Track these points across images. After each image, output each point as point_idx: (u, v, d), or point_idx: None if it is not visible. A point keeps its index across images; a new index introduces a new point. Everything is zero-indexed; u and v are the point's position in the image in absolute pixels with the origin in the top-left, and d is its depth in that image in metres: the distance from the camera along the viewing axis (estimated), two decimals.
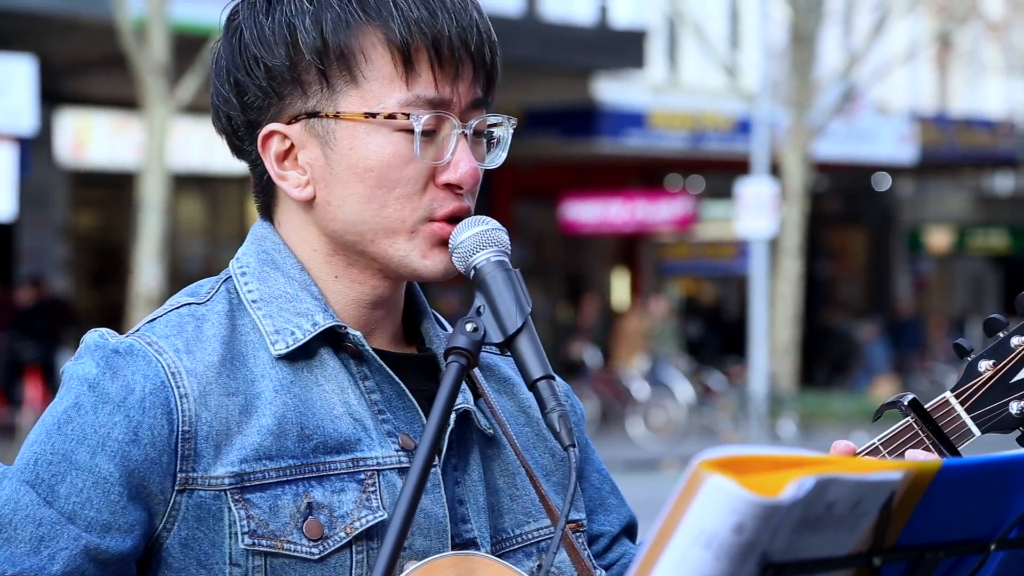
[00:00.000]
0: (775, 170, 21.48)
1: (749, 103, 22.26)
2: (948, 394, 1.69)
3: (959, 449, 1.68)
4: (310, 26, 1.70)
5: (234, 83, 1.74)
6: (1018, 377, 1.67)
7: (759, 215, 20.49)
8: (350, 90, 1.71)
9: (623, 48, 21.96)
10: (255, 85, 1.73)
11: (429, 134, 1.71)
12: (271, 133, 1.74)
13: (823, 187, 28.19)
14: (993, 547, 1.36)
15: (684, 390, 21.21)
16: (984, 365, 1.68)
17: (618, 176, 26.16)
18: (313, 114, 1.72)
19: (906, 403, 1.67)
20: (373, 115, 1.70)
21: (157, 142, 15.89)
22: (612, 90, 23.53)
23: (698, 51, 24.47)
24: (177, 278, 19.61)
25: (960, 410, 1.68)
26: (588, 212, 25.58)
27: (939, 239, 32.53)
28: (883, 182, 30.50)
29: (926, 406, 1.68)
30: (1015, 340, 1.68)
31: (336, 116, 1.71)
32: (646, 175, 26.81)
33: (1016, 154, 29.38)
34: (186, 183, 20.21)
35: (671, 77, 26.35)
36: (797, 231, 21.75)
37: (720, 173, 26.24)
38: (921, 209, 32.21)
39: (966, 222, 32.82)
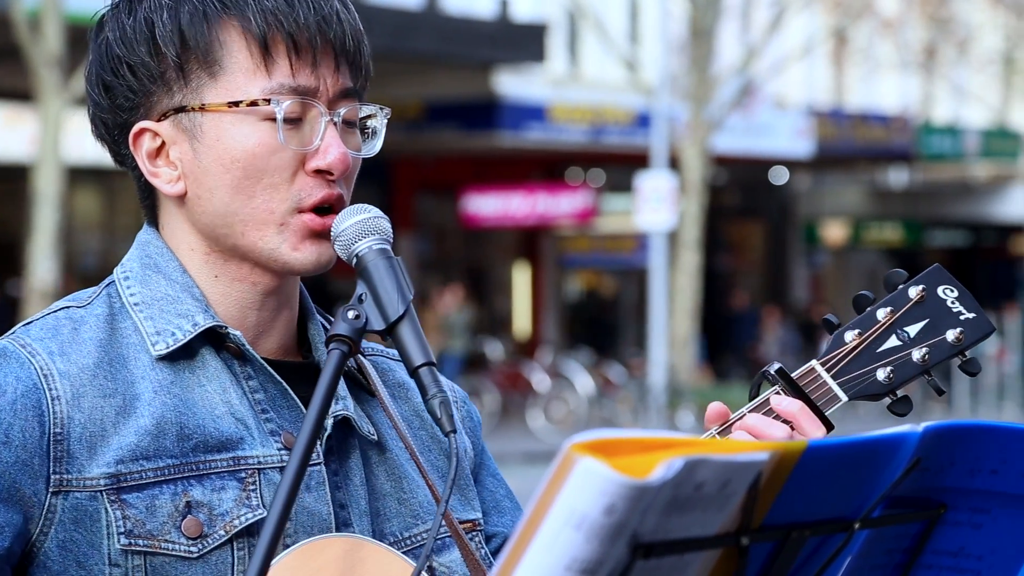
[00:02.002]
0: (674, 164, 21.65)
1: (649, 97, 22.41)
2: (814, 362, 1.72)
3: (827, 414, 1.71)
4: (168, 21, 1.72)
5: (103, 86, 1.75)
6: (884, 346, 1.71)
7: (659, 208, 20.64)
8: (213, 82, 1.72)
9: (524, 42, 22.00)
10: (123, 85, 1.74)
11: (295, 121, 1.72)
12: (141, 131, 1.74)
13: (722, 181, 28.45)
14: (857, 526, 1.39)
15: (584, 383, 21.31)
16: (850, 335, 1.72)
17: (519, 169, 26.20)
18: (180, 109, 1.73)
19: (773, 371, 1.71)
20: (236, 104, 1.71)
21: (51, 134, 15.67)
22: (513, 84, 23.56)
23: (598, 45, 24.59)
24: (73, 272, 19.35)
25: (826, 376, 1.71)
26: (489, 205, 25.61)
27: (835, 232, 32.96)
28: (780, 176, 30.84)
29: (792, 374, 1.71)
30: (880, 312, 1.72)
31: (201, 109, 1.72)
32: (547, 168, 26.89)
33: (910, 149, 29.85)
34: (82, 176, 19.93)
35: (571, 71, 26.44)
36: (696, 224, 21.93)
37: (620, 166, 26.38)
38: (817, 203, 32.62)
39: (861, 216, 33.29)
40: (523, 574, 1.24)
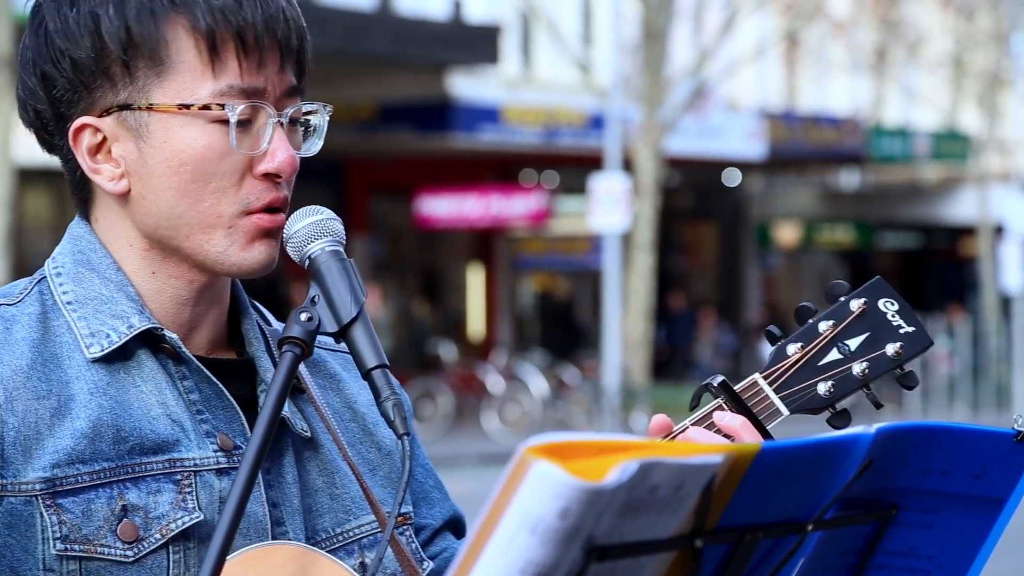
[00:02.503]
0: (628, 165, 21.70)
1: (602, 99, 22.46)
2: (757, 375, 1.73)
3: (768, 428, 1.72)
4: (114, 16, 1.68)
5: (41, 76, 1.71)
6: (825, 360, 1.72)
7: (612, 210, 20.68)
8: (160, 81, 1.69)
9: (477, 43, 22.00)
10: (63, 78, 1.70)
11: (244, 124, 1.70)
12: (82, 127, 1.71)
13: (675, 183, 28.54)
14: (811, 527, 1.39)
15: (539, 385, 21.33)
16: (792, 348, 1.72)
17: (473, 171, 26.20)
18: (125, 106, 1.69)
19: (716, 384, 1.71)
20: (187, 106, 1.68)
21: (1, 136, 15.54)
22: (466, 85, 23.56)
23: (551, 47, 24.62)
24: (23, 273, 19.17)
25: (768, 390, 1.71)
26: (443, 207, 25.59)
27: (787, 234, 33.13)
28: (733, 178, 30.97)
29: (735, 387, 1.72)
30: (822, 325, 1.73)
31: (149, 108, 1.69)
32: (501, 170, 26.90)
33: (861, 151, 30.04)
34: (32, 177, 19.78)
35: (525, 73, 26.46)
36: (649, 226, 22.00)
37: (574, 168, 26.43)
38: (770, 205, 32.78)
39: (813, 217, 33.47)
40: None
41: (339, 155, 24.06)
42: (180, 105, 1.69)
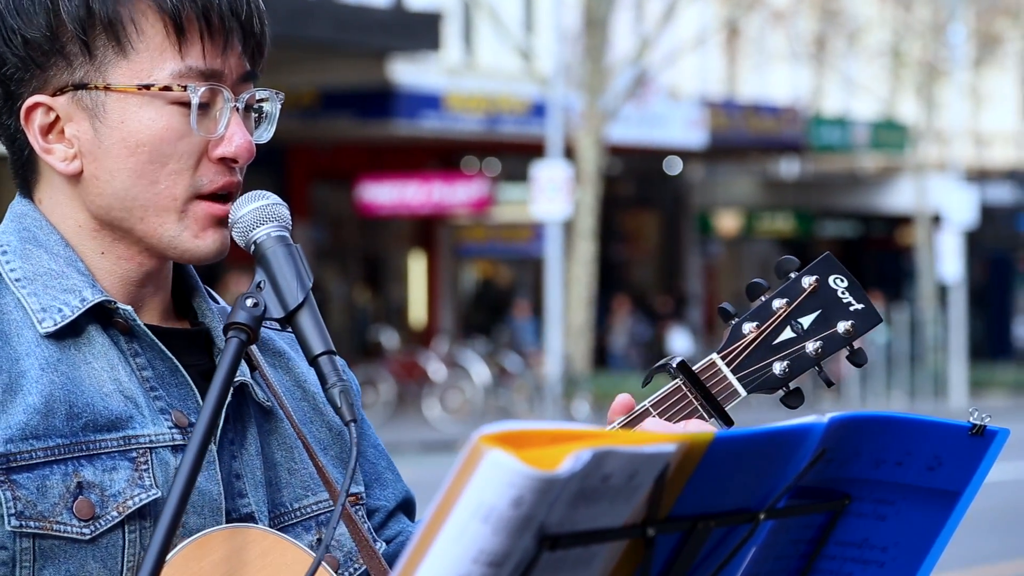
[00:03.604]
0: (569, 153, 21.73)
1: (543, 87, 22.47)
2: (715, 355, 1.73)
3: (726, 409, 1.72)
4: None
5: None
6: (780, 339, 1.72)
7: (554, 198, 20.71)
8: (119, 61, 1.67)
9: (419, 30, 21.94)
10: (14, 55, 1.68)
11: (203, 107, 1.68)
12: (35, 105, 1.68)
13: (616, 171, 28.61)
14: (763, 516, 1.39)
15: (481, 372, 21.33)
16: (748, 327, 1.72)
17: (415, 158, 26.15)
18: (80, 86, 1.67)
19: (675, 365, 1.71)
20: (147, 87, 1.67)
21: None
22: (408, 72, 23.50)
23: (493, 34, 24.60)
24: None
25: (726, 371, 1.71)
26: (385, 194, 25.53)
27: (728, 222, 33.31)
28: (675, 166, 31.09)
29: (693, 368, 1.72)
30: (776, 303, 1.73)
31: (106, 88, 1.67)
32: (442, 157, 26.86)
33: (800, 140, 30.23)
34: None
35: (467, 60, 26.43)
36: (591, 214, 22.04)
37: (516, 156, 26.43)
38: (711, 193, 32.94)
39: (754, 206, 33.67)
40: (430, 567, 1.22)
41: (280, 141, 23.88)
42: (140, 86, 1.67)
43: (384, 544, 1.81)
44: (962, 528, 1.52)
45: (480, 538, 1.22)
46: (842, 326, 1.71)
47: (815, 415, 1.41)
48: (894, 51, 31.11)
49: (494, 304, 28.07)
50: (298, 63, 21.05)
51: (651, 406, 1.70)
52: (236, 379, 1.71)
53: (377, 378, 21.15)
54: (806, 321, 1.71)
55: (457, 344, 23.65)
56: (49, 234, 1.70)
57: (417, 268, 27.73)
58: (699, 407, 1.70)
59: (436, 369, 21.47)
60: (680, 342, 27.39)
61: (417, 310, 27.60)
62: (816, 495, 1.43)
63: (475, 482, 1.21)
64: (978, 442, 1.45)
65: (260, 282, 1.63)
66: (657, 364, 1.72)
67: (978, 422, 1.45)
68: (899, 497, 1.45)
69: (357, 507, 1.78)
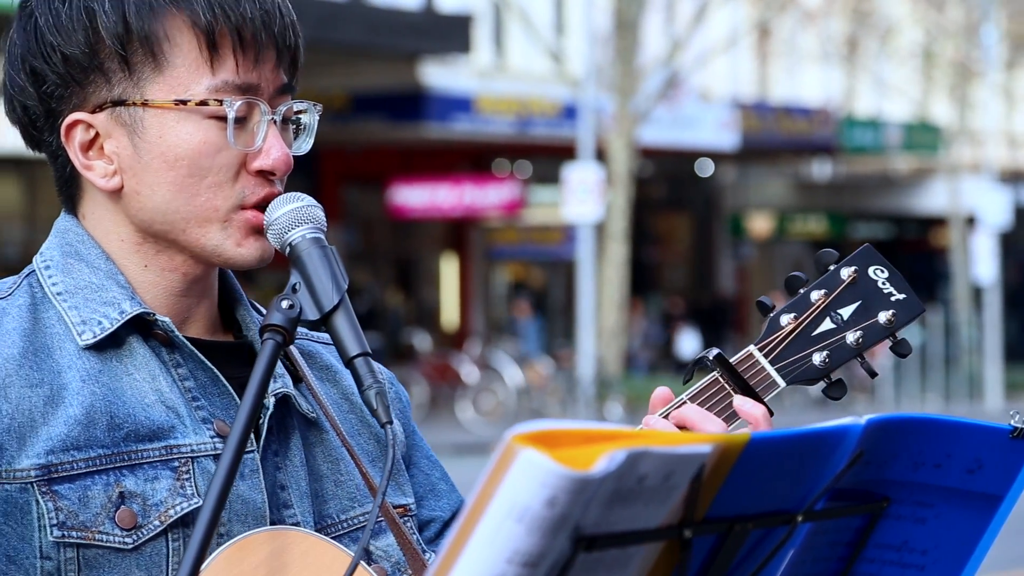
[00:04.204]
0: (601, 155, 21.71)
1: (574, 89, 22.45)
2: (752, 347, 1.71)
3: (765, 400, 1.70)
4: (111, 11, 1.68)
5: (30, 71, 1.70)
6: (819, 330, 1.70)
7: (585, 200, 20.70)
8: (156, 77, 1.68)
9: (449, 33, 21.97)
10: (54, 74, 1.69)
11: (240, 121, 1.70)
12: (75, 123, 1.70)
13: (648, 173, 28.58)
14: (800, 518, 1.38)
15: (513, 374, 21.34)
16: (786, 319, 1.71)
17: (446, 161, 26.18)
18: (119, 102, 1.69)
19: (712, 357, 1.70)
20: (183, 102, 1.68)
21: None
22: (439, 75, 23.53)
23: (524, 37, 24.61)
24: None
25: (764, 362, 1.70)
26: (416, 197, 25.56)
27: (760, 224, 33.21)
28: (706, 168, 31.02)
29: (731, 360, 1.70)
30: (814, 295, 1.71)
31: (144, 104, 1.68)
32: (474, 160, 26.88)
33: (832, 141, 30.13)
34: (3, 166, 19.68)
35: (497, 62, 26.44)
36: (623, 216, 22.02)
37: (547, 158, 26.43)
38: (743, 195, 32.85)
39: (786, 208, 33.57)
40: (464, 567, 1.22)
41: (312, 145, 23.85)
42: (176, 101, 1.68)
43: (433, 555, 1.80)
44: (1005, 531, 1.50)
45: (514, 538, 1.21)
46: (883, 316, 1.70)
47: (852, 416, 1.39)
48: (927, 52, 30.97)
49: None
50: (329, 66, 21.10)
51: (688, 399, 1.69)
52: (279, 390, 1.72)
53: (410, 380, 21.17)
54: (846, 312, 1.70)
55: (489, 346, 23.66)
56: (90, 248, 1.72)
57: (449, 270, 27.75)
58: (757, 402, 1.68)
59: (469, 371, 21.49)
60: (689, 343, 27.27)
61: (449, 312, 27.62)
62: (854, 497, 1.42)
63: (508, 482, 1.21)
64: (1020, 445, 1.43)
65: (296, 284, 1.64)
66: (695, 358, 1.71)
67: (1020, 425, 1.44)
68: (939, 500, 1.43)
69: (406, 519, 1.79)
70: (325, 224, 1.69)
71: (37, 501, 1.61)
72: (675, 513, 1.31)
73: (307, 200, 1.69)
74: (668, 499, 1.29)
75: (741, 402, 1.68)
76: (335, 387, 1.80)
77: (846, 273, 1.71)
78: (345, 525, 1.74)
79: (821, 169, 33.02)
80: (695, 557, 1.34)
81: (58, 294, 1.70)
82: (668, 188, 31.33)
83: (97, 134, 1.69)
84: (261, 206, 1.70)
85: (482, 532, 1.21)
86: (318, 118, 1.75)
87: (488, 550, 1.21)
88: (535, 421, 1.26)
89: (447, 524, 1.84)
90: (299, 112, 1.74)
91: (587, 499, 1.22)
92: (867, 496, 1.42)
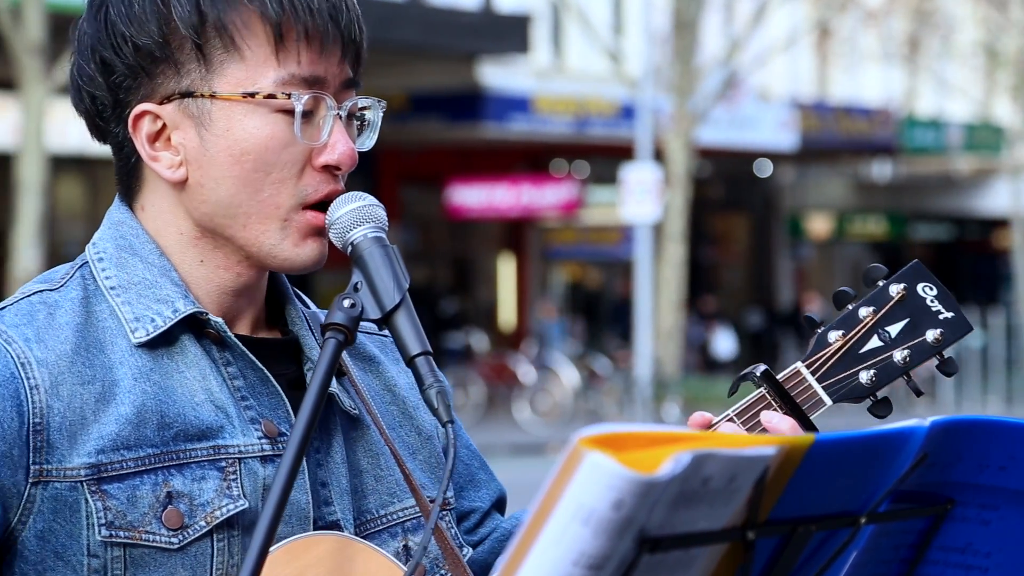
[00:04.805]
0: (659, 156, 21.65)
1: (633, 89, 22.41)
2: (799, 364, 1.71)
3: (811, 418, 1.70)
4: (185, 2, 1.68)
5: (100, 62, 1.70)
6: (867, 347, 1.70)
7: (643, 200, 20.65)
8: (226, 69, 1.68)
9: (507, 33, 21.98)
10: (124, 64, 1.69)
11: (306, 115, 1.69)
12: (143, 113, 1.70)
13: (706, 173, 28.47)
14: (863, 520, 1.38)
15: (570, 375, 21.32)
16: (833, 336, 1.71)
17: (503, 161, 26.19)
18: (187, 94, 1.69)
19: (758, 374, 1.70)
20: (251, 95, 1.68)
21: (34, 123, 15.61)
22: (497, 75, 23.54)
23: (582, 37, 24.58)
24: (57, 261, 19.24)
25: (811, 380, 1.70)
26: (474, 197, 25.59)
27: (819, 225, 33.01)
28: (765, 168, 30.87)
29: (778, 376, 1.70)
30: (863, 311, 1.71)
31: (212, 96, 1.68)
32: (531, 160, 26.88)
33: (893, 142, 29.90)
34: (65, 165, 19.88)
35: (555, 62, 26.43)
36: (681, 216, 21.95)
37: (605, 158, 26.38)
38: (802, 195, 32.66)
39: (845, 208, 33.35)
40: (531, 569, 1.22)
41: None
42: (244, 94, 1.68)
43: (470, 550, 1.81)
44: None
45: (580, 541, 1.22)
46: (931, 335, 1.70)
47: (916, 419, 1.39)
48: (989, 51, 30.67)
49: (583, 307, 28.00)
50: (387, 66, 21.16)
51: (734, 415, 1.69)
52: None
53: (467, 380, 21.20)
54: (894, 330, 1.70)
55: (546, 346, 23.64)
56: (145, 243, 1.71)
57: (506, 270, 27.76)
58: (786, 415, 1.69)
59: (526, 371, 21.48)
60: (724, 343, 27.10)
61: (506, 312, 27.63)
62: (918, 499, 1.42)
63: (575, 485, 1.21)
64: None
65: (357, 283, 1.64)
66: (742, 373, 1.71)
67: None
68: (1003, 502, 1.43)
69: (444, 512, 1.78)
70: (387, 223, 1.68)
71: (86, 500, 1.62)
72: (738, 515, 1.31)
73: (369, 199, 1.69)
74: (732, 501, 1.29)
75: (768, 417, 1.69)
76: (377, 378, 1.80)
77: (895, 290, 1.71)
78: (384, 521, 1.74)
79: (881, 169, 32.77)
80: (758, 559, 1.34)
81: (111, 288, 1.69)
82: (726, 188, 31.20)
83: (164, 125, 1.69)
84: (322, 206, 1.70)
85: (549, 534, 1.22)
86: (381, 115, 1.75)
87: (554, 552, 1.22)
88: (600, 424, 1.27)
89: (487, 515, 1.84)
90: (363, 108, 1.74)
91: (652, 501, 1.23)
92: (931, 498, 1.42)
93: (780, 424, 1.67)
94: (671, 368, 21.69)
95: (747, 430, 1.69)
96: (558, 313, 25.01)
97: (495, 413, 21.16)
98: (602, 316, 27.86)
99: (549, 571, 1.22)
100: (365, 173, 24.12)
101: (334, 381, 1.73)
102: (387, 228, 1.68)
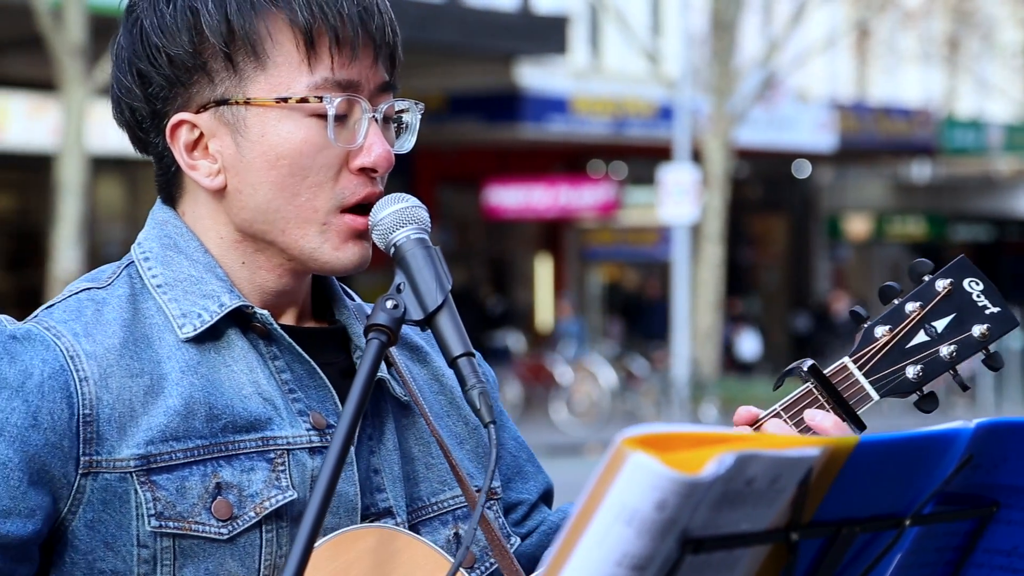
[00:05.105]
0: (697, 156, 21.60)
1: (671, 89, 22.36)
2: (847, 359, 1.71)
3: (858, 413, 1.70)
4: (214, 10, 1.70)
5: (137, 74, 1.73)
6: (914, 342, 1.70)
7: (681, 201, 20.60)
8: (257, 75, 1.70)
9: (545, 33, 21.98)
10: (159, 75, 1.72)
11: (340, 118, 1.71)
12: (180, 123, 1.72)
13: (744, 174, 28.38)
14: (908, 523, 1.37)
15: (607, 375, 21.30)
16: (880, 331, 1.71)
17: (541, 161, 26.19)
18: (222, 101, 1.71)
19: (805, 368, 1.69)
20: (284, 100, 1.69)
21: (75, 124, 15.71)
22: (535, 75, 23.54)
23: (620, 37, 24.55)
24: (97, 262, 19.37)
25: (858, 375, 1.70)
26: (511, 197, 25.59)
27: (858, 226, 32.87)
28: (803, 169, 30.76)
29: (825, 371, 1.70)
30: (909, 306, 1.71)
31: (246, 103, 1.70)
32: (569, 161, 26.86)
33: (933, 142, 29.75)
34: (105, 166, 19.99)
35: (593, 63, 26.41)
36: (718, 217, 21.89)
37: (642, 159, 26.34)
38: (840, 196, 32.53)
39: (884, 209, 33.19)
40: (574, 569, 1.22)
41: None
42: (277, 99, 1.70)
43: (519, 540, 1.82)
44: None
45: (624, 541, 1.22)
46: (977, 330, 1.69)
47: (961, 420, 1.39)
48: None
49: (621, 308, 27.94)
50: (425, 67, 21.19)
51: (781, 410, 1.69)
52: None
53: (504, 381, 21.20)
54: (940, 325, 1.70)
55: (583, 347, 23.63)
56: (189, 241, 1.73)
57: (543, 271, 27.75)
58: (830, 411, 1.69)
59: (563, 372, 21.47)
60: (749, 344, 26.92)
61: (543, 313, 27.62)
62: (963, 501, 1.41)
63: (618, 485, 1.21)
64: None
65: (400, 284, 1.65)
66: (788, 368, 1.71)
67: None
68: None
69: (491, 503, 1.79)
70: (429, 225, 1.70)
71: (136, 491, 1.64)
72: (782, 516, 1.31)
73: (412, 201, 1.70)
74: (775, 502, 1.29)
75: (812, 415, 1.69)
76: (425, 368, 1.82)
77: (941, 285, 1.71)
78: (435, 508, 1.75)
79: (920, 170, 32.60)
80: (802, 560, 1.34)
81: (158, 286, 1.71)
82: (764, 189, 31.09)
83: (201, 134, 1.71)
84: (361, 209, 1.71)
85: (592, 535, 1.22)
86: (419, 117, 1.76)
87: (598, 552, 1.22)
88: (643, 425, 1.27)
89: (533, 507, 1.85)
90: (400, 111, 1.75)
91: (696, 502, 1.23)
92: (976, 500, 1.42)
93: (824, 422, 1.67)
94: (708, 369, 21.63)
95: (794, 425, 1.69)
96: (575, 311, 24.91)
97: (532, 414, 21.15)
98: (634, 316, 27.69)
99: (593, 571, 1.22)
100: (403, 174, 24.18)
101: (386, 369, 1.75)
102: (430, 229, 1.69)
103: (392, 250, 1.68)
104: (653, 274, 28.22)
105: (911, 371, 1.69)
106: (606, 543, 1.22)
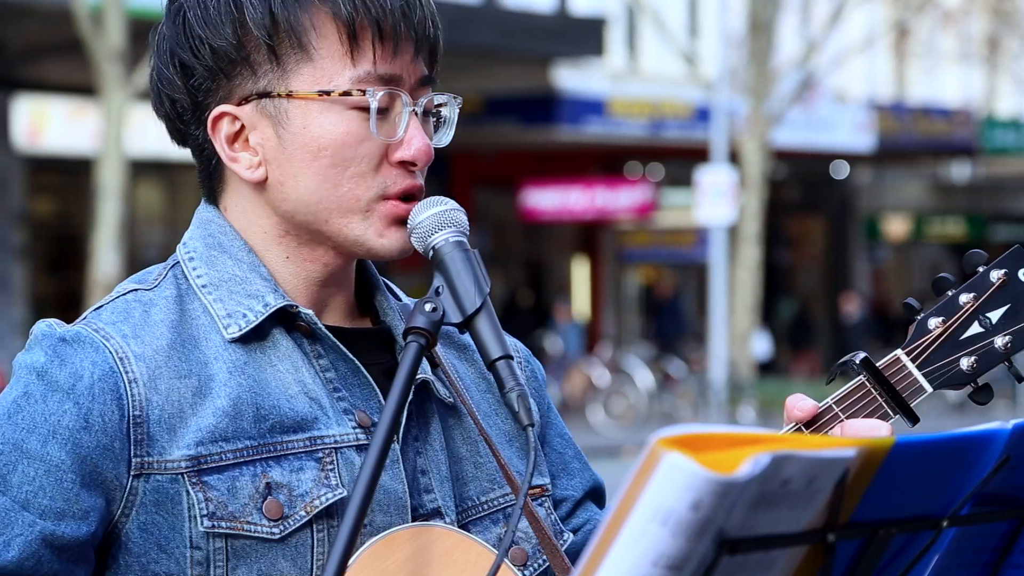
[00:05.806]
0: (734, 158, 21.55)
1: (708, 91, 22.31)
2: (899, 352, 1.70)
3: (911, 406, 1.70)
4: (258, 3, 1.70)
5: (179, 65, 1.73)
6: (967, 334, 1.69)
7: (718, 203, 20.55)
8: (300, 68, 1.70)
9: (582, 36, 21.96)
10: (202, 66, 1.72)
11: (382, 112, 1.71)
12: (221, 115, 1.73)
13: (782, 175, 28.28)
14: (945, 524, 1.37)
15: (644, 377, 21.26)
16: (933, 323, 1.70)
17: (578, 163, 26.17)
18: (264, 94, 1.71)
19: (858, 361, 1.69)
20: (327, 93, 1.70)
21: (115, 128, 15.80)
22: (572, 77, 23.53)
23: (657, 39, 24.51)
24: (136, 265, 19.48)
25: (911, 367, 1.69)
26: (548, 199, 25.58)
27: (897, 227, 32.70)
28: (841, 170, 30.63)
29: (877, 364, 1.69)
30: (963, 297, 1.70)
31: (288, 95, 1.70)
32: (606, 162, 26.83)
33: (972, 143, 29.57)
34: (145, 169, 20.09)
35: (630, 65, 26.37)
36: (756, 219, 21.82)
37: (679, 161, 26.29)
38: (879, 197, 32.37)
39: (923, 210, 33.01)
40: (610, 569, 1.23)
41: (445, 147, 23.96)
42: (320, 92, 1.70)
43: (571, 535, 1.82)
44: None
45: (659, 541, 1.22)
46: None
47: (998, 421, 1.38)
48: None
49: (658, 310, 27.87)
50: (462, 69, 21.21)
51: (834, 403, 1.69)
52: (418, 376, 1.73)
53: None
54: (994, 316, 1.69)
55: (620, 349, 23.59)
56: (233, 240, 1.74)
57: (580, 273, 27.73)
58: (883, 404, 1.68)
59: (600, 374, 21.45)
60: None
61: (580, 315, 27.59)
62: (1001, 502, 1.40)
63: (654, 485, 1.21)
64: None
65: (438, 287, 1.66)
66: (840, 361, 1.70)
67: None
68: None
69: (542, 499, 1.80)
70: (468, 227, 1.70)
71: (187, 492, 1.64)
72: (819, 517, 1.31)
73: (450, 204, 1.70)
74: (812, 503, 1.29)
75: (852, 423, 1.68)
76: (472, 367, 1.82)
77: (996, 276, 1.69)
78: (485, 507, 1.76)
79: (960, 170, 32.41)
80: (839, 561, 1.34)
81: (203, 287, 1.72)
82: (802, 190, 30.98)
83: (243, 126, 1.72)
84: (404, 196, 1.71)
85: (627, 535, 1.22)
86: (458, 111, 1.77)
87: (633, 552, 1.22)
88: (678, 425, 1.27)
89: (579, 503, 1.85)
90: (439, 105, 1.76)
91: (731, 503, 1.23)
92: (1014, 501, 1.41)
93: (878, 429, 1.67)
94: (746, 371, 21.57)
95: (847, 417, 1.68)
96: (573, 316, 24.88)
97: (569, 416, 21.13)
98: (659, 317, 27.49)
99: (628, 571, 1.23)
100: (439, 175, 24.19)
101: (430, 371, 1.75)
102: (468, 232, 1.70)
103: (431, 253, 1.69)
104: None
105: (965, 362, 1.68)
106: (642, 543, 1.22)
